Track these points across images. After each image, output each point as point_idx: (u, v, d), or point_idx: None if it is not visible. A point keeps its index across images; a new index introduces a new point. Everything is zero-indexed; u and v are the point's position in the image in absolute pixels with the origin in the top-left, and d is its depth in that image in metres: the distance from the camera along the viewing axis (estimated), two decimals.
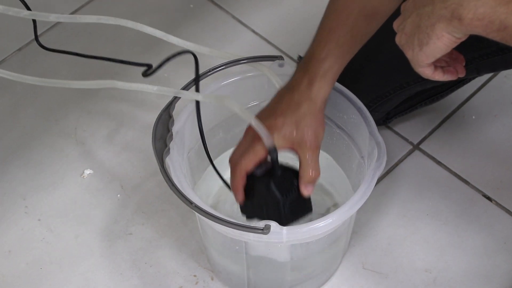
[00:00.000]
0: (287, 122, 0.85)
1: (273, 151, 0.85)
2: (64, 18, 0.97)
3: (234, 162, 0.88)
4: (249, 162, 0.86)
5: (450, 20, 0.67)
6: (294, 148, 0.86)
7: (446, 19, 0.67)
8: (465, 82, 1.14)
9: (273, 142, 0.85)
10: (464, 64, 0.79)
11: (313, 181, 0.87)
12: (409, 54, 0.73)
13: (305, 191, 0.88)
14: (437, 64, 0.76)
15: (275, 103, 0.88)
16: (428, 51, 0.71)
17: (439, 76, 0.76)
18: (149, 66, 0.90)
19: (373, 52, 1.04)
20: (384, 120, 1.14)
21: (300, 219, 0.89)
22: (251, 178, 0.87)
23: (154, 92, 0.89)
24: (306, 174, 0.87)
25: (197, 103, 0.92)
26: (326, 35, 0.85)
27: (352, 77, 1.03)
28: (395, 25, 0.75)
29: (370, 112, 0.95)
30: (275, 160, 0.86)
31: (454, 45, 0.70)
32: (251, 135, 0.86)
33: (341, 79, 0.96)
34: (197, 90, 0.91)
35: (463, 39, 0.70)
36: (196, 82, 0.91)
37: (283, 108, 0.86)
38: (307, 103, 0.86)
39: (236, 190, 0.88)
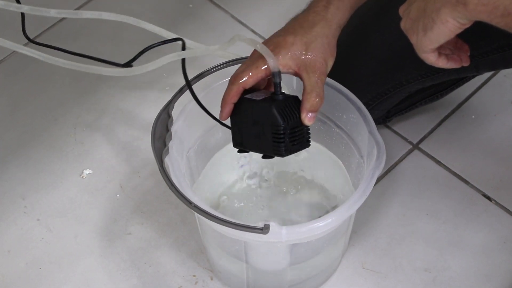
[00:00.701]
0: (298, 41, 0.82)
1: (277, 74, 0.81)
2: (65, 13, 0.96)
3: (233, 75, 0.84)
4: (249, 77, 0.82)
5: (455, 5, 0.67)
6: (299, 71, 0.83)
7: (451, 4, 0.67)
8: (464, 81, 1.14)
9: (278, 65, 0.80)
10: (469, 53, 0.79)
11: (316, 109, 0.83)
12: (413, 39, 0.73)
13: (306, 119, 0.83)
14: (441, 52, 0.75)
15: (288, 23, 0.84)
16: (433, 36, 0.71)
17: (442, 63, 0.76)
18: (128, 66, 0.90)
19: (373, 50, 1.04)
20: (384, 118, 1.14)
21: (297, 151, 0.85)
22: (249, 102, 0.83)
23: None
24: (310, 100, 0.82)
25: (183, 60, 0.88)
26: None
27: (351, 75, 1.03)
28: (401, 10, 0.75)
29: (370, 110, 0.94)
30: (277, 83, 0.81)
31: (459, 31, 0.70)
32: (257, 55, 0.83)
33: (341, 77, 0.96)
34: (184, 71, 0.87)
35: (468, 25, 0.70)
36: (183, 66, 0.88)
37: (295, 27, 0.83)
38: (322, 23, 0.83)
39: (226, 103, 0.84)
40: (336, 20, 0.84)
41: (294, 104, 0.84)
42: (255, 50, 0.83)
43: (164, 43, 0.87)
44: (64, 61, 0.97)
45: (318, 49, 0.82)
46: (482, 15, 0.67)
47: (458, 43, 0.79)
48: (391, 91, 1.06)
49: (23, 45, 1.01)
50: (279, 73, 0.81)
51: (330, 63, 0.84)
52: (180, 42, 0.88)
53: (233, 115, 0.87)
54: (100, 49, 1.29)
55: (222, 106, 0.85)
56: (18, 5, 0.94)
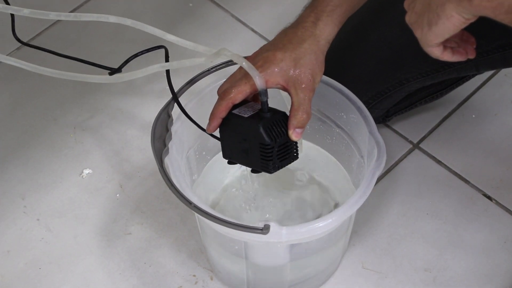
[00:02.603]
0: (287, 57, 0.83)
1: (263, 93, 0.82)
2: (64, 16, 0.97)
3: (222, 90, 0.85)
4: (238, 93, 0.83)
5: (460, 0, 0.67)
6: (287, 87, 0.84)
7: None
8: (464, 80, 1.14)
9: (264, 84, 0.81)
10: (475, 46, 0.79)
11: (303, 125, 0.84)
12: (418, 33, 0.73)
13: (294, 135, 0.84)
14: (447, 45, 0.75)
15: (277, 38, 0.85)
16: (437, 30, 0.71)
17: (447, 57, 0.76)
18: (113, 70, 0.91)
19: (373, 49, 1.04)
20: (383, 118, 1.14)
21: (285, 166, 0.86)
22: (237, 119, 0.84)
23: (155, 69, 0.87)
24: (297, 116, 0.83)
25: (167, 72, 0.89)
26: None
27: (351, 74, 1.03)
28: (406, 3, 0.75)
29: (369, 109, 0.94)
30: (264, 102, 0.83)
31: (463, 26, 0.70)
32: (244, 70, 0.83)
33: (340, 76, 0.95)
34: (169, 81, 0.89)
35: (472, 20, 0.70)
36: (168, 77, 0.90)
37: (284, 42, 0.83)
38: (310, 40, 0.84)
39: (214, 117, 0.85)
40: (324, 35, 0.84)
41: (281, 120, 0.85)
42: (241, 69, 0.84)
43: (148, 51, 0.87)
44: (50, 70, 0.97)
45: (307, 65, 0.83)
46: (487, 11, 0.67)
47: (464, 35, 0.78)
48: (390, 90, 1.06)
49: (16, 48, 1.01)
50: (266, 91, 0.82)
51: (318, 78, 0.85)
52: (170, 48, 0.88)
53: (222, 129, 0.87)
54: (100, 49, 1.29)
55: (210, 120, 0.86)
56: (17, 8, 0.94)
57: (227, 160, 0.90)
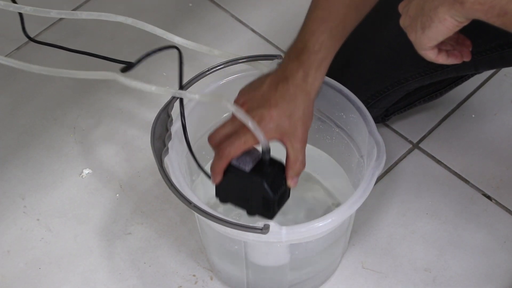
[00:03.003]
0: (281, 113, 0.84)
1: (267, 152, 0.85)
2: (65, 14, 0.97)
3: (221, 146, 0.86)
4: (238, 150, 0.85)
5: (452, 3, 0.68)
6: (283, 140, 0.86)
7: (448, 2, 0.68)
8: (463, 79, 1.14)
9: (268, 144, 0.84)
10: (470, 48, 0.79)
11: (299, 174, 0.87)
12: (412, 37, 0.73)
13: (292, 183, 0.87)
14: (442, 48, 0.75)
15: (268, 91, 0.86)
16: (431, 34, 0.71)
17: (442, 59, 0.76)
18: (129, 64, 0.90)
19: (371, 48, 1.04)
20: (382, 117, 1.14)
21: (281, 208, 0.89)
22: (237, 171, 0.86)
23: (152, 91, 0.89)
24: (295, 167, 0.86)
25: (181, 100, 0.90)
26: (318, 26, 0.85)
27: (350, 73, 1.03)
28: (400, 7, 0.75)
29: (368, 108, 0.94)
30: (266, 160, 0.85)
31: (457, 29, 0.70)
32: (244, 126, 0.84)
33: (339, 75, 0.95)
34: (181, 85, 0.89)
35: (466, 23, 0.70)
36: (180, 78, 0.89)
37: (277, 99, 0.84)
38: (302, 95, 0.85)
39: (216, 173, 0.86)
40: (314, 89, 0.86)
41: (280, 172, 0.87)
42: (235, 119, 0.85)
43: (161, 50, 0.87)
44: (48, 69, 0.97)
45: (300, 119, 0.85)
46: (479, 13, 0.67)
47: (460, 38, 0.79)
48: (389, 89, 1.06)
49: (24, 43, 1.01)
50: (269, 150, 0.85)
51: (309, 125, 0.87)
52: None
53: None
54: (100, 49, 1.29)
55: (212, 175, 0.87)
56: (18, 5, 0.94)
57: (219, 199, 0.91)
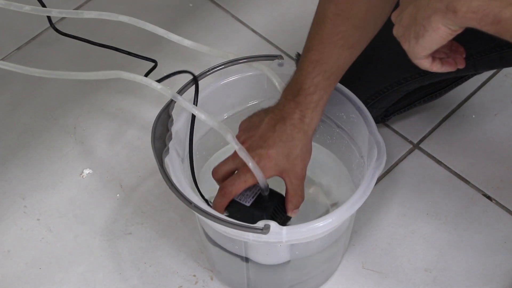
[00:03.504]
0: (279, 153, 0.88)
1: (265, 190, 0.89)
2: (66, 13, 0.97)
3: (223, 184, 0.90)
4: (239, 189, 0.89)
5: (445, 12, 0.67)
6: (282, 176, 0.89)
7: (441, 11, 0.68)
8: (463, 79, 1.14)
9: (266, 183, 0.89)
10: (464, 55, 0.79)
11: (299, 206, 0.91)
12: (405, 46, 0.74)
13: (293, 215, 0.91)
14: (436, 56, 0.75)
15: (267, 131, 0.89)
16: (424, 43, 0.71)
17: (437, 68, 0.76)
18: (154, 62, 0.91)
19: (370, 48, 1.04)
20: (382, 117, 1.14)
21: None
22: (239, 205, 0.90)
23: (158, 89, 0.89)
24: (294, 201, 0.90)
25: (193, 117, 0.93)
26: (313, 68, 0.87)
27: (349, 73, 1.03)
28: (393, 16, 0.75)
29: (368, 108, 0.95)
30: (266, 196, 0.90)
31: (450, 37, 0.70)
32: (244, 164, 0.88)
33: None
34: (192, 127, 0.94)
35: (459, 31, 0.70)
36: (195, 99, 0.93)
37: (275, 139, 0.88)
38: (300, 135, 0.88)
39: (218, 209, 0.90)
40: (312, 128, 0.89)
41: (280, 203, 0.91)
42: (236, 156, 0.88)
43: (179, 73, 0.91)
44: (39, 70, 0.97)
45: (298, 157, 0.88)
46: (472, 22, 0.67)
47: (453, 45, 0.79)
48: (388, 89, 1.06)
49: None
50: (267, 188, 0.90)
51: (308, 161, 0.91)
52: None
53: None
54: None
55: (217, 210, 0.90)
56: (19, 4, 0.94)
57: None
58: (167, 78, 0.94)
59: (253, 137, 0.89)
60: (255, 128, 0.90)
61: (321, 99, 0.88)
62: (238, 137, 0.90)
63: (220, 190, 0.90)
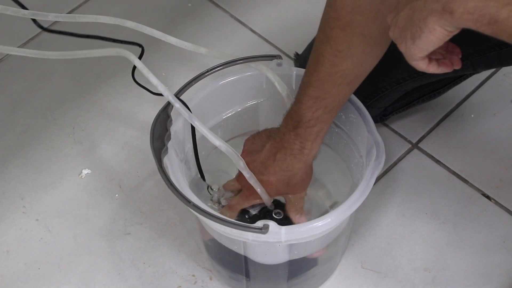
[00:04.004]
0: (279, 181, 0.92)
1: (269, 206, 0.97)
2: (63, 17, 0.97)
3: (230, 203, 0.98)
4: (243, 206, 0.97)
5: (441, 13, 0.67)
6: (283, 196, 0.97)
7: (437, 12, 0.67)
8: (462, 79, 1.14)
9: (271, 202, 0.97)
10: (460, 56, 0.79)
11: (302, 213, 0.97)
12: (402, 48, 0.73)
13: (299, 222, 0.96)
14: (432, 57, 0.75)
15: (267, 159, 0.92)
16: (421, 44, 0.71)
17: (433, 69, 0.76)
18: (140, 46, 0.93)
19: None
20: (381, 117, 1.14)
21: None
22: (245, 213, 0.97)
23: (165, 95, 0.90)
24: (295, 215, 0.96)
25: (193, 129, 0.95)
26: (313, 103, 0.87)
27: None
28: (389, 18, 0.75)
29: (367, 108, 0.95)
30: (273, 214, 0.98)
31: (447, 38, 0.70)
32: (251, 187, 0.94)
33: None
34: (194, 138, 0.96)
35: (456, 32, 0.70)
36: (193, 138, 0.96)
37: (275, 168, 0.92)
38: (299, 165, 0.91)
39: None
40: (311, 157, 0.92)
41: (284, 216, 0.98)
42: (243, 177, 0.93)
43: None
44: (53, 52, 0.98)
45: (298, 183, 0.94)
46: (469, 23, 0.67)
47: (449, 46, 0.79)
48: (387, 88, 1.06)
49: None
50: (271, 205, 0.98)
51: (308, 184, 0.96)
52: None
53: None
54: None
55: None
56: (16, 9, 0.94)
57: None
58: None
59: (255, 162, 0.93)
60: (257, 153, 0.93)
61: (321, 130, 0.90)
62: (242, 157, 0.93)
63: (228, 204, 0.98)
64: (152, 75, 0.91)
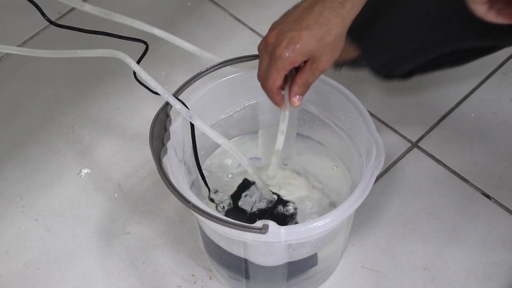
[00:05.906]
0: (312, 35, 0.81)
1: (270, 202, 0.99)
2: (99, 11, 0.97)
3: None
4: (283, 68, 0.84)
5: None
6: (306, 61, 0.83)
7: None
8: (488, 52, 1.07)
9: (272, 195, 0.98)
10: None
11: (303, 93, 0.86)
12: None
13: (295, 102, 0.86)
14: (493, 7, 0.73)
15: (301, 14, 0.82)
16: None
17: (492, 17, 0.73)
18: (145, 43, 0.92)
19: (418, 2, 0.98)
20: (405, 75, 1.05)
21: None
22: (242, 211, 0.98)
23: (165, 98, 0.90)
24: (301, 86, 0.85)
25: (192, 127, 0.94)
26: None
27: (393, 23, 0.97)
28: None
29: (399, 63, 0.90)
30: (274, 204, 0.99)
31: None
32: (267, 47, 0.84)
33: (379, 23, 0.92)
34: (195, 149, 0.96)
35: None
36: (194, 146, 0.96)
37: (310, 21, 0.81)
38: (337, 21, 0.81)
39: (272, 83, 0.85)
40: (350, 16, 0.82)
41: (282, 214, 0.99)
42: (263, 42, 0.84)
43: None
44: (46, 51, 0.97)
45: (330, 44, 0.82)
46: None
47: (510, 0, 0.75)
48: (429, 47, 0.99)
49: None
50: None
51: (337, 55, 0.84)
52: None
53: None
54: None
55: (271, 97, 0.87)
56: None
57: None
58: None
59: (285, 22, 0.83)
60: (289, 15, 0.84)
61: None
62: (269, 29, 0.84)
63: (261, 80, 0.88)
64: (150, 77, 0.90)
